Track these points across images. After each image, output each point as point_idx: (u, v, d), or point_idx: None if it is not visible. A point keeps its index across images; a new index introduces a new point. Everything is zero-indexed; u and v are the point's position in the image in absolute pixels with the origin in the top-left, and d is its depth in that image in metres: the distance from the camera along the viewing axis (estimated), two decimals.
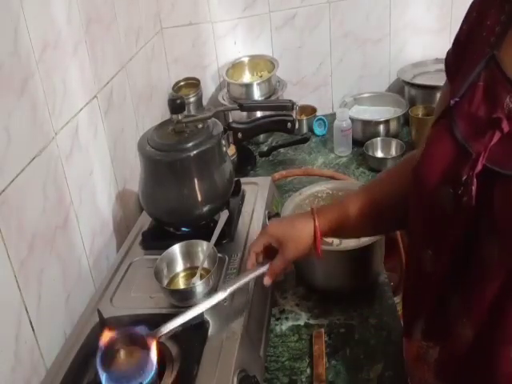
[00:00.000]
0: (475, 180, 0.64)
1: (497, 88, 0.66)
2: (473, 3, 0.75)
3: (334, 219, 0.90)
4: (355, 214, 0.89)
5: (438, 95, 1.75)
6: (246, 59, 1.89)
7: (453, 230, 0.69)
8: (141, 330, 0.80)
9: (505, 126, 0.63)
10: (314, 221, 0.89)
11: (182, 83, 1.86)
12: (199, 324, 0.87)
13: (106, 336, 0.79)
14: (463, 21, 0.77)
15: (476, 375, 0.69)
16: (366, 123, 1.72)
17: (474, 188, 0.64)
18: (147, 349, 0.78)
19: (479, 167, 0.64)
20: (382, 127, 1.70)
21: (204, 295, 0.93)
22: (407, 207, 0.79)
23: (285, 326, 1.06)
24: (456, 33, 0.79)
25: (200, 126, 1.11)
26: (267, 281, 0.91)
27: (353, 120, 1.69)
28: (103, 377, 0.75)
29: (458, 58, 0.77)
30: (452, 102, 0.71)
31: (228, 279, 0.99)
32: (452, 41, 0.81)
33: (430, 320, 0.77)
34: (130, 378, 0.75)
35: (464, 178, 0.65)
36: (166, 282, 0.98)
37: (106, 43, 1.27)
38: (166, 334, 0.82)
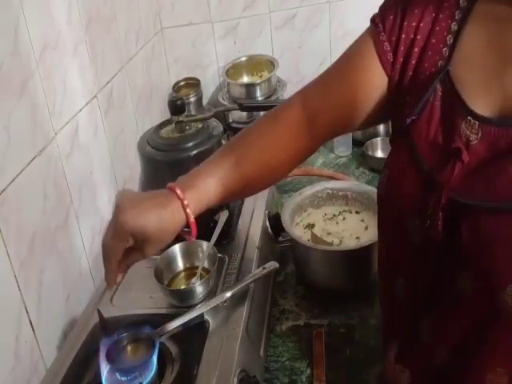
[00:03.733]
0: (441, 214, 0.61)
1: (453, 112, 0.62)
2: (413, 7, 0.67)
3: (204, 201, 0.74)
4: (223, 194, 0.75)
5: None
6: (246, 59, 1.89)
7: (423, 259, 0.66)
8: (145, 329, 0.81)
9: (465, 157, 0.60)
10: (185, 209, 0.71)
11: (181, 83, 1.86)
12: (199, 324, 0.87)
13: (112, 333, 0.80)
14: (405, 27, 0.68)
15: None
16: None
17: (440, 223, 0.61)
18: (150, 348, 0.78)
19: (443, 200, 0.61)
20: (382, 127, 1.70)
21: (204, 295, 0.93)
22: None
23: (285, 325, 1.06)
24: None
25: (200, 126, 1.11)
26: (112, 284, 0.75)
27: None
28: (107, 368, 0.76)
29: (407, 65, 0.69)
30: (408, 120, 0.66)
31: (228, 279, 0.99)
32: None
33: (402, 344, 0.75)
34: (131, 374, 0.76)
35: (429, 211, 0.62)
36: (166, 282, 0.98)
37: (106, 43, 1.27)
38: (167, 333, 0.82)
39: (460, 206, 0.60)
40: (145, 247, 0.71)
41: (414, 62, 0.67)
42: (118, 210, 0.70)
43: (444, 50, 0.64)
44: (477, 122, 0.60)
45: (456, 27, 0.63)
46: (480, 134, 0.60)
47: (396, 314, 0.76)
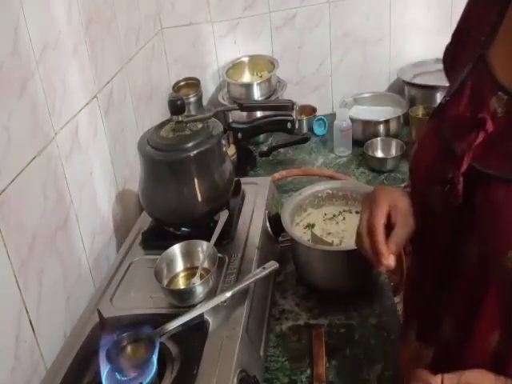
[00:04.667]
0: (461, 179, 0.66)
1: (483, 88, 0.67)
2: (470, 1, 0.76)
3: None
4: None
5: (439, 95, 1.76)
6: (245, 59, 1.89)
7: (441, 229, 0.71)
8: (145, 329, 0.81)
9: (489, 127, 0.65)
10: None
11: (182, 83, 1.86)
12: (199, 324, 0.87)
13: (112, 333, 0.80)
14: (460, 19, 0.78)
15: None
16: (366, 123, 1.72)
17: (460, 187, 0.66)
18: (150, 348, 0.78)
19: (464, 166, 0.65)
20: (381, 127, 1.71)
21: (204, 295, 0.93)
22: None
23: (285, 325, 1.06)
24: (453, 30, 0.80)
25: (200, 126, 1.11)
26: (388, 262, 0.75)
27: (353, 120, 1.69)
28: (107, 368, 0.76)
29: (454, 55, 0.78)
30: (443, 100, 0.72)
31: (228, 279, 0.99)
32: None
33: (421, 320, 0.79)
34: (131, 374, 0.76)
35: (450, 175, 0.67)
36: (165, 282, 0.98)
37: (106, 43, 1.27)
38: (167, 333, 0.82)
39: (477, 173, 0.65)
40: (407, 220, 0.77)
41: (458, 51, 0.76)
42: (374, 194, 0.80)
43: (482, 38, 0.70)
44: (506, 97, 0.64)
45: (495, 18, 0.69)
46: (506, 109, 0.64)
47: (416, 289, 0.80)
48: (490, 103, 0.66)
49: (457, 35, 0.78)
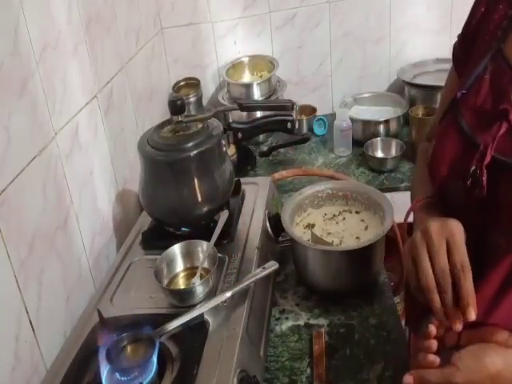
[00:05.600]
0: (485, 171, 0.66)
1: (503, 80, 0.68)
2: None
3: None
4: None
5: (439, 95, 1.76)
6: (246, 59, 1.89)
7: (463, 221, 0.70)
8: (145, 329, 0.81)
9: None
10: None
11: (182, 83, 1.86)
12: (199, 324, 0.87)
13: (112, 333, 0.80)
14: (470, 15, 0.78)
15: None
16: (366, 123, 1.72)
17: (484, 179, 0.66)
18: (150, 348, 0.78)
19: (488, 158, 0.66)
20: (381, 127, 1.71)
21: (204, 295, 0.93)
22: None
23: (285, 325, 1.06)
24: (462, 27, 0.80)
25: (200, 126, 1.11)
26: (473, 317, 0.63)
27: (353, 120, 1.69)
28: (107, 368, 0.76)
29: (466, 51, 0.78)
30: (459, 94, 0.72)
31: (228, 279, 0.99)
32: (453, 39, 0.82)
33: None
34: (131, 374, 0.76)
35: (472, 169, 0.67)
36: (166, 282, 0.98)
37: (106, 43, 1.27)
38: (167, 333, 0.82)
39: (501, 166, 0.65)
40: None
41: (470, 46, 0.76)
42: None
43: (498, 32, 0.71)
44: None
45: None
46: None
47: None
48: (511, 96, 0.66)
49: (467, 30, 0.79)
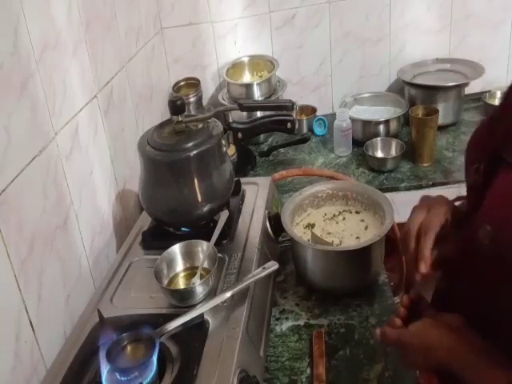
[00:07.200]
0: (486, 158, 0.70)
1: None
2: None
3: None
4: None
5: (439, 95, 1.76)
6: (246, 59, 1.89)
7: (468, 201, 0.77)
8: (145, 329, 0.81)
9: None
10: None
11: (182, 83, 1.86)
12: (199, 324, 0.87)
13: (112, 333, 0.80)
14: None
15: None
16: (366, 123, 1.72)
17: (482, 166, 0.70)
18: (150, 348, 0.78)
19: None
20: (382, 127, 1.71)
21: (204, 295, 0.93)
22: None
23: (285, 325, 1.06)
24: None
25: (200, 126, 1.11)
26: (423, 271, 0.77)
27: (353, 120, 1.70)
28: (107, 368, 0.76)
29: None
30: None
31: (228, 279, 0.99)
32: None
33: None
34: (131, 374, 0.76)
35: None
36: (165, 282, 0.98)
37: (106, 43, 1.27)
38: (167, 333, 0.82)
39: (499, 158, 0.68)
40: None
41: None
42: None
43: None
44: None
45: None
46: None
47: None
48: None
49: None
